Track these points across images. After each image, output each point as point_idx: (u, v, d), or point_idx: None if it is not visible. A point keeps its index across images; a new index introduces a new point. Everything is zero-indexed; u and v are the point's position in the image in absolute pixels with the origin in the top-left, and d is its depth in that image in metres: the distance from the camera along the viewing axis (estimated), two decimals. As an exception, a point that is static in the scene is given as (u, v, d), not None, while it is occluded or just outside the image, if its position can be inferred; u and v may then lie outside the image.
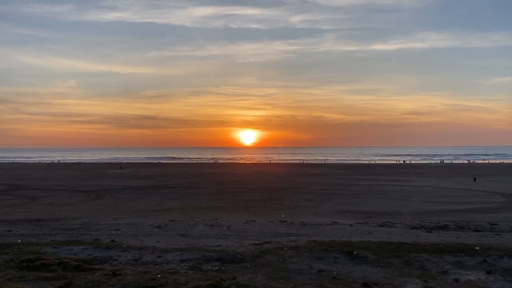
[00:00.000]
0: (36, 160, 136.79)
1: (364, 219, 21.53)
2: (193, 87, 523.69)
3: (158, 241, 14.41)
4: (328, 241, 13.37)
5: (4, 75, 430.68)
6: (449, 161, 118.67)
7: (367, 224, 19.49)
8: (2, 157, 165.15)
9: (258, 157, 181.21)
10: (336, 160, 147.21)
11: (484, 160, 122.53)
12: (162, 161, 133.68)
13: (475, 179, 50.45)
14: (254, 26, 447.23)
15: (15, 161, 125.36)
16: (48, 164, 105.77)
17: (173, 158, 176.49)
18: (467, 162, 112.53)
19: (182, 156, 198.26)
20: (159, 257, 11.82)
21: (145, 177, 58.81)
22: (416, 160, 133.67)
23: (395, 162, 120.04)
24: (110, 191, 38.37)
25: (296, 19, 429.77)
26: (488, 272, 10.53)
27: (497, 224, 19.07)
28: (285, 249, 12.44)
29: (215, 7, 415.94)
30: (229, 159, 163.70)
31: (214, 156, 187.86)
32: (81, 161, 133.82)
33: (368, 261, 11.29)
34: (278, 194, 35.48)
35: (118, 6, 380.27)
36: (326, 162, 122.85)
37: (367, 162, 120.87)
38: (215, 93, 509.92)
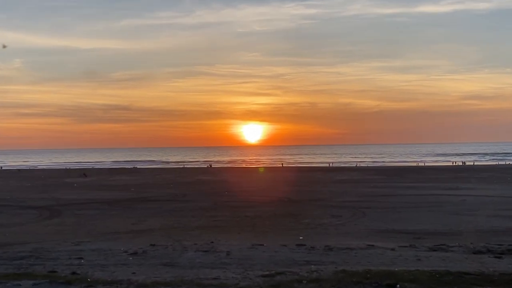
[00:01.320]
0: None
1: (410, 241, 21.56)
2: (178, 67, 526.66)
3: (134, 273, 14.54)
4: (362, 271, 13.41)
5: None
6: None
7: (414, 247, 19.53)
8: None
9: (267, 160, 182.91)
10: (372, 162, 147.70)
11: None
12: (138, 166, 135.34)
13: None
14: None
15: None
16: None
17: (153, 161, 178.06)
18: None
19: (165, 159, 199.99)
20: (136, 294, 11.85)
21: (117, 187, 59.29)
22: (480, 161, 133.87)
23: (451, 163, 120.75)
24: (69, 206, 38.68)
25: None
26: None
27: None
28: (304, 282, 12.48)
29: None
30: (228, 162, 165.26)
31: (208, 159, 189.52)
32: (31, 167, 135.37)
33: (416, 298, 11.30)
34: (293, 208, 35.64)
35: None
36: (358, 165, 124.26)
37: (414, 164, 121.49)
38: (208, 74, 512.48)
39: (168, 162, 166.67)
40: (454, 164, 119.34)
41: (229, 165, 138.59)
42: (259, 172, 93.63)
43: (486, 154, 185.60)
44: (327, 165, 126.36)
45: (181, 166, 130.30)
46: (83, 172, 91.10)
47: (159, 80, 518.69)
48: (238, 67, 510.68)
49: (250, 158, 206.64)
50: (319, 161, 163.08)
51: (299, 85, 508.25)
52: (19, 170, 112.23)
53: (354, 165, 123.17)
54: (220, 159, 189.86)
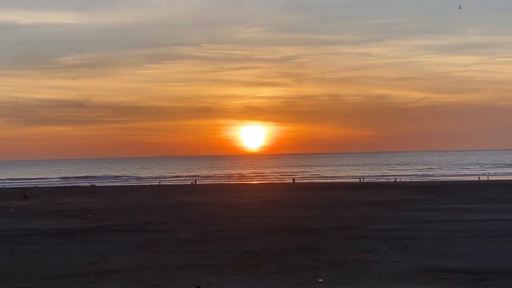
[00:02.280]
0: None
1: (471, 284, 21.41)
2: (152, 47, 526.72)
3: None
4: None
5: None
6: None
7: (477, 293, 19.35)
8: None
9: (273, 173, 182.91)
10: (416, 176, 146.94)
11: None
12: (98, 183, 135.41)
13: None
14: None
15: None
16: None
17: (117, 177, 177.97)
18: None
19: (134, 173, 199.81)
20: None
21: (68, 213, 58.81)
22: None
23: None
24: (4, 240, 38.50)
25: None
26: None
27: None
28: None
29: None
30: (220, 177, 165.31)
31: (193, 173, 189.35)
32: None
33: None
34: (310, 240, 35.59)
35: None
36: (397, 179, 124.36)
37: (473, 178, 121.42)
38: (193, 58, 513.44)
39: (139, 178, 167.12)
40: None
41: (221, 182, 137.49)
42: (263, 191, 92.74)
43: None
44: (356, 180, 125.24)
45: (156, 184, 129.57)
46: (23, 194, 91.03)
47: (125, 66, 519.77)
48: (233, 48, 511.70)
49: (250, 171, 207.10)
50: (344, 175, 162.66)
51: (316, 71, 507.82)
52: None
53: (392, 180, 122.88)
54: (209, 174, 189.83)
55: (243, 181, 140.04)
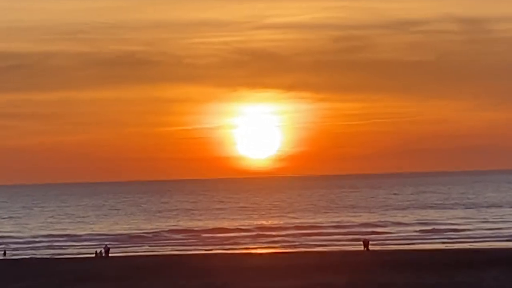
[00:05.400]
0: None
1: None
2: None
3: None
4: None
5: None
6: None
7: None
8: None
9: (307, 228, 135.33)
10: None
11: None
12: None
13: None
14: None
15: None
16: None
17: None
18: None
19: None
20: None
21: None
22: None
23: None
24: None
25: None
26: None
27: None
28: None
29: None
30: (176, 243, 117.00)
31: (102, 229, 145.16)
32: None
33: None
34: None
35: None
36: None
37: None
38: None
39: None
40: None
41: (178, 250, 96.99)
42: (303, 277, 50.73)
43: None
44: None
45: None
46: None
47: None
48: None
49: (253, 223, 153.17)
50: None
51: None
52: None
53: None
54: (146, 228, 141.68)
55: (244, 250, 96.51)
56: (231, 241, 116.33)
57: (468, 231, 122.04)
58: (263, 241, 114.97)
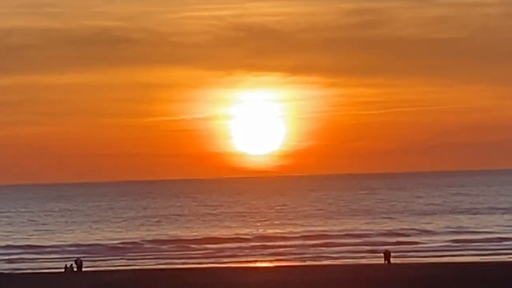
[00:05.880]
0: None
1: None
2: None
3: None
4: None
5: None
6: None
7: None
8: None
9: (315, 236, 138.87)
10: None
11: None
12: None
13: None
14: None
15: None
16: None
17: None
18: None
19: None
20: None
21: None
22: None
23: None
24: None
25: None
26: None
27: None
28: None
29: None
30: (160, 256, 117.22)
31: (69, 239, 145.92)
32: None
33: None
34: None
35: None
36: None
37: None
38: None
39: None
40: None
41: (163, 264, 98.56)
42: None
43: None
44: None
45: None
46: None
47: None
48: None
49: (252, 231, 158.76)
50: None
51: None
52: None
53: None
54: (124, 238, 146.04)
55: (243, 263, 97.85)
56: (226, 253, 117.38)
57: (509, 240, 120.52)
58: (263, 253, 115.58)
